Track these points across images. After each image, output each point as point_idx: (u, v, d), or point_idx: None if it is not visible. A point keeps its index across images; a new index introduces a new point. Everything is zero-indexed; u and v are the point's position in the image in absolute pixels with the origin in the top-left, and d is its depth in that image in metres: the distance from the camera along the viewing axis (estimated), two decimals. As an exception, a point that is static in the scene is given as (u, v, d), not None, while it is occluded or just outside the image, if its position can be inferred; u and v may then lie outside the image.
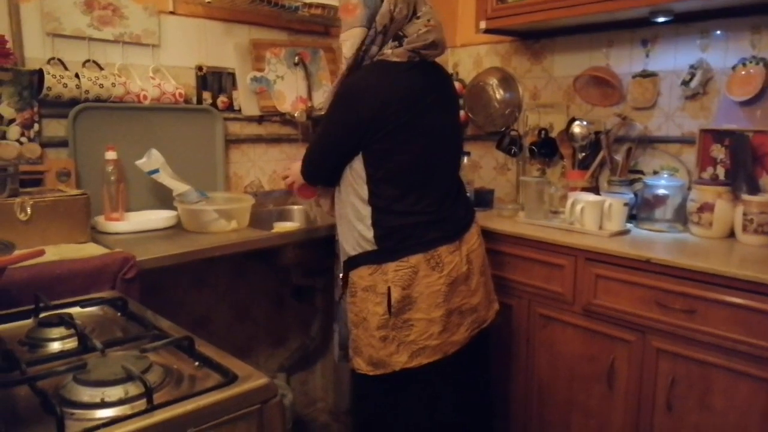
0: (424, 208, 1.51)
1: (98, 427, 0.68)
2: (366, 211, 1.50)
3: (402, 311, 1.48)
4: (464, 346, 1.58)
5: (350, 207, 1.54)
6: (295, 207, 2.21)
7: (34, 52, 1.72)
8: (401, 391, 1.55)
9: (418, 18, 1.47)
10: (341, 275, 1.63)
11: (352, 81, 1.47)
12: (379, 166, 1.47)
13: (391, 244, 1.47)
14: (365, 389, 1.62)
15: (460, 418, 1.65)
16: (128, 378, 0.77)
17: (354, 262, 1.54)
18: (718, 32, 1.97)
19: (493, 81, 2.51)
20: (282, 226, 2.00)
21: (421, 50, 1.47)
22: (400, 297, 1.46)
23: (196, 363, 0.88)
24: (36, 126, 1.71)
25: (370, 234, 1.49)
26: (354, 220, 1.53)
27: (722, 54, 1.97)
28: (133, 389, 0.76)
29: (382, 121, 1.43)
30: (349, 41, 1.46)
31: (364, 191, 1.49)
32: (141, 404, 0.74)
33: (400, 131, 1.45)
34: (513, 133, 2.43)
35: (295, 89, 2.29)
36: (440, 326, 1.51)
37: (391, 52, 1.46)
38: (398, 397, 1.56)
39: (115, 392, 0.75)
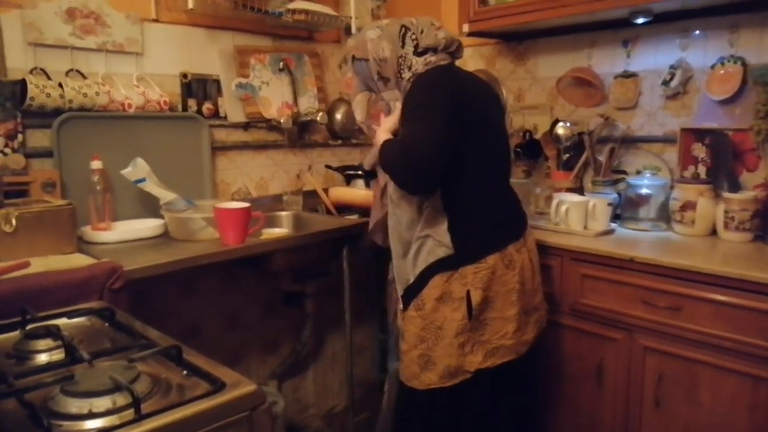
0: (495, 208, 1.54)
1: (86, 438, 0.69)
2: (442, 218, 1.48)
3: (480, 312, 1.48)
4: (531, 347, 1.59)
5: (421, 224, 1.50)
6: (284, 213, 2.22)
7: (16, 63, 1.71)
8: (469, 396, 1.52)
9: (422, 32, 1.52)
10: (401, 294, 1.60)
11: (421, 80, 1.47)
12: (456, 169, 1.45)
13: (470, 246, 1.47)
14: (429, 405, 1.55)
15: (510, 423, 1.63)
16: (116, 388, 0.77)
17: (426, 275, 1.50)
18: (697, 32, 2.01)
19: (478, 84, 2.53)
20: (270, 233, 2.00)
21: (449, 50, 1.54)
22: (480, 299, 1.45)
23: (185, 372, 0.88)
24: (20, 137, 1.70)
25: (446, 239, 1.47)
26: (425, 232, 1.50)
27: (701, 53, 2.00)
28: (121, 399, 0.76)
29: (461, 110, 1.42)
30: (358, 108, 1.64)
31: (438, 199, 1.48)
32: (129, 414, 0.74)
33: (472, 129, 1.46)
34: (498, 135, 2.44)
35: (281, 95, 2.29)
36: (515, 325, 1.51)
37: (435, 59, 1.50)
38: (465, 403, 1.52)
39: (102, 403, 0.75)
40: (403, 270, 1.58)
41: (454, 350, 1.47)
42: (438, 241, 1.48)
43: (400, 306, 1.60)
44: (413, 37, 1.52)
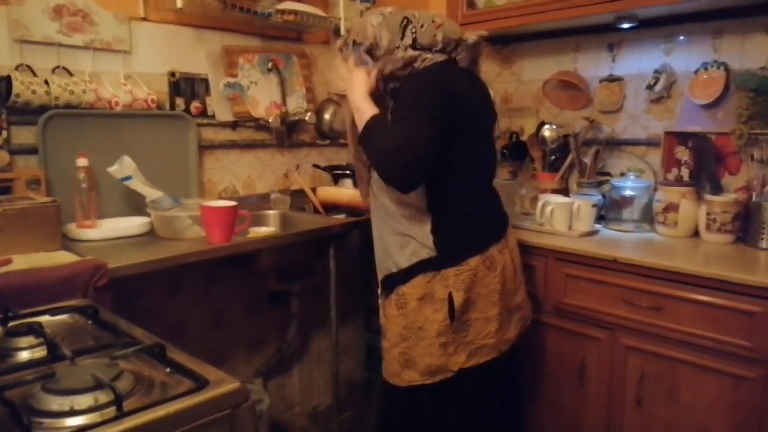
0: (478, 208, 1.54)
1: (67, 435, 0.69)
2: (425, 218, 1.48)
3: (463, 314, 1.48)
4: (513, 345, 1.60)
5: (403, 220, 1.50)
6: (270, 212, 2.22)
7: (2, 60, 1.69)
8: (452, 394, 1.53)
9: (422, 27, 1.49)
10: (380, 290, 1.60)
11: (419, 79, 1.45)
12: (442, 170, 1.45)
13: (452, 248, 1.47)
14: (411, 402, 1.56)
15: (499, 421, 1.64)
16: (98, 386, 0.77)
17: (408, 273, 1.50)
18: (682, 37, 2.04)
19: (466, 85, 2.54)
20: (257, 232, 1.99)
21: (446, 51, 1.51)
22: (462, 301, 1.46)
23: (168, 369, 0.88)
24: (4, 133, 1.69)
25: (429, 241, 1.47)
26: (408, 232, 1.50)
27: (685, 58, 2.03)
28: (103, 397, 0.76)
29: (451, 113, 1.41)
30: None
31: (423, 199, 1.47)
32: (111, 411, 0.74)
33: (460, 132, 1.46)
34: (485, 136, 2.46)
35: (269, 95, 2.29)
36: (497, 324, 1.52)
37: (431, 57, 1.48)
38: (449, 402, 1.54)
39: (84, 400, 0.75)
40: (385, 258, 1.58)
41: (435, 350, 1.48)
42: (421, 243, 1.49)
43: (379, 291, 1.60)
44: (413, 30, 1.49)
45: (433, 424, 1.56)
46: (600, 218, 2.06)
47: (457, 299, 1.46)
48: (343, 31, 2.32)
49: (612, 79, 2.20)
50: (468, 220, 1.51)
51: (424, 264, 1.48)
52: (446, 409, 1.55)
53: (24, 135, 1.74)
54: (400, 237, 1.52)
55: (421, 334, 1.49)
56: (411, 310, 1.50)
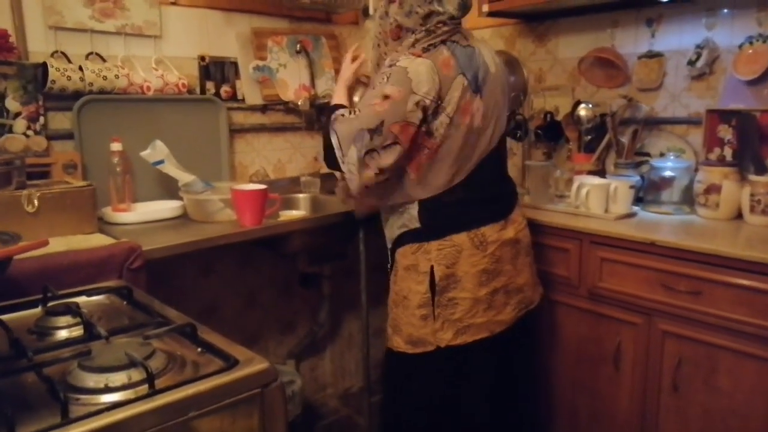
0: (470, 192, 1.52)
1: (101, 411, 0.70)
2: (411, 204, 1.52)
3: (446, 289, 1.49)
4: (510, 327, 1.59)
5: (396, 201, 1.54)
6: (301, 195, 2.22)
7: (37, 46, 1.73)
8: (440, 370, 1.54)
9: None
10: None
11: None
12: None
13: (435, 223, 1.49)
14: (401, 368, 1.60)
15: (497, 402, 1.64)
16: (131, 364, 0.79)
17: (399, 241, 1.55)
18: (725, 10, 1.94)
19: (498, 65, 2.49)
20: (288, 215, 2.01)
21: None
22: (443, 275, 1.48)
23: (199, 349, 0.90)
24: (41, 119, 1.73)
25: (414, 212, 1.50)
26: (401, 209, 1.53)
27: (728, 32, 1.94)
28: (136, 375, 0.78)
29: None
30: None
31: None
32: (143, 389, 0.76)
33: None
34: (518, 117, 2.41)
35: (298, 77, 2.29)
36: (485, 304, 1.52)
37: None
38: (437, 376, 1.56)
39: (118, 378, 0.77)
40: (387, 231, 1.63)
41: (416, 321, 1.51)
42: (411, 215, 1.52)
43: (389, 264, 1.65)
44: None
45: (421, 393, 1.58)
46: (638, 200, 1.99)
47: (438, 273, 1.48)
48: (371, 11, 2.29)
49: (651, 55, 2.12)
50: (456, 202, 1.50)
51: (410, 234, 1.52)
52: (432, 382, 1.57)
53: (60, 120, 1.78)
54: (396, 210, 1.55)
55: (405, 303, 1.53)
56: (399, 278, 1.55)
